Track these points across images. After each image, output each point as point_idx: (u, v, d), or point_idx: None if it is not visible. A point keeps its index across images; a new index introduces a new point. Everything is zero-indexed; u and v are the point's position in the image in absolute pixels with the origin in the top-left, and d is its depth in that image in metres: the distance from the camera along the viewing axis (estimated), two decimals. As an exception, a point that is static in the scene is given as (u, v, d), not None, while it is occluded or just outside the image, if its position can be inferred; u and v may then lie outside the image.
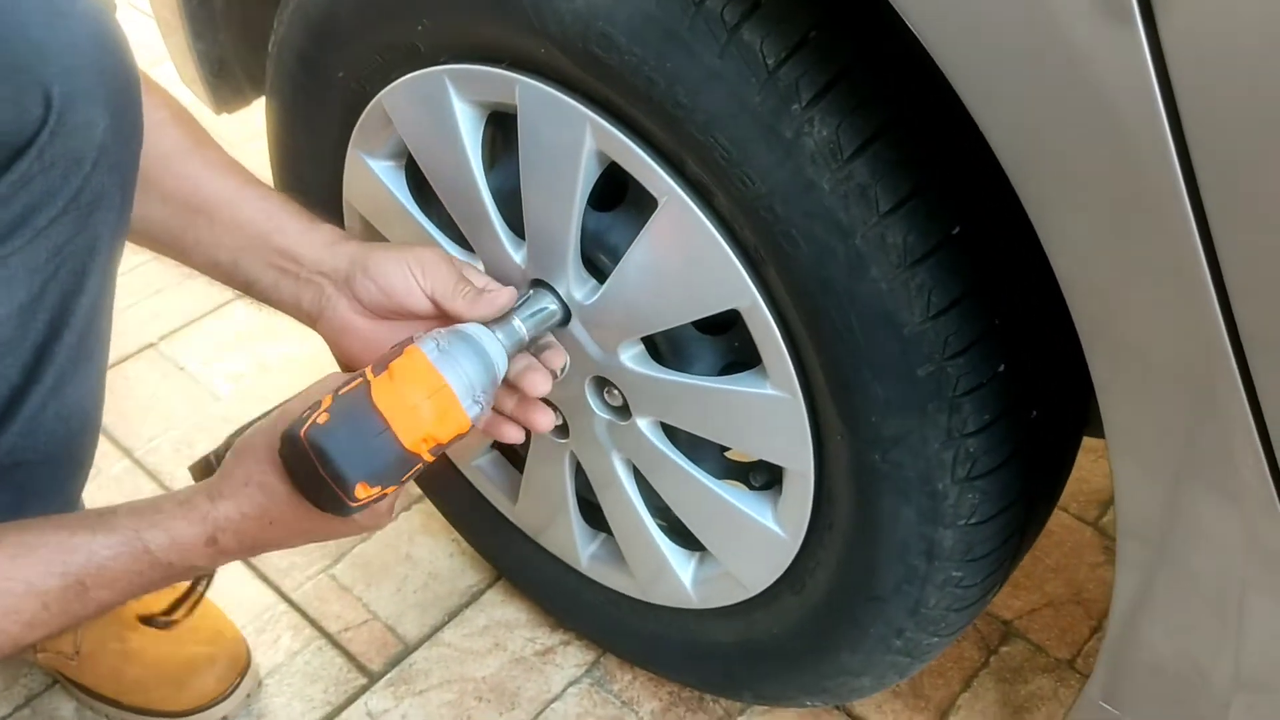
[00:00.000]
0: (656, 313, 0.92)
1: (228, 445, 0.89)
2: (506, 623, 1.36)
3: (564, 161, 0.88)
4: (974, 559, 0.89)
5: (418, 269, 0.90)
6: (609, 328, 0.95)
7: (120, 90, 0.83)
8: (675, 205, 0.84)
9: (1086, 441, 0.99)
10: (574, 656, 1.33)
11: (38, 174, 0.80)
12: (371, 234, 1.14)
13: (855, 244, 0.76)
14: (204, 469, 0.92)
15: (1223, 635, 0.82)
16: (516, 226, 0.98)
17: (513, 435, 0.95)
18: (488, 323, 0.89)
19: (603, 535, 1.20)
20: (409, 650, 1.33)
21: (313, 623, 1.35)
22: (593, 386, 1.02)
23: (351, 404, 0.79)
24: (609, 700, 1.29)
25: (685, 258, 0.87)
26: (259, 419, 0.88)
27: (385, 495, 0.81)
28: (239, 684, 1.24)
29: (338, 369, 1.01)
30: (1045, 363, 0.83)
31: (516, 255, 0.98)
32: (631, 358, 0.96)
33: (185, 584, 1.05)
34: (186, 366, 1.65)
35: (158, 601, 1.08)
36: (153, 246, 0.96)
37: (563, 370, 0.97)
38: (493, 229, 0.98)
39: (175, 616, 1.06)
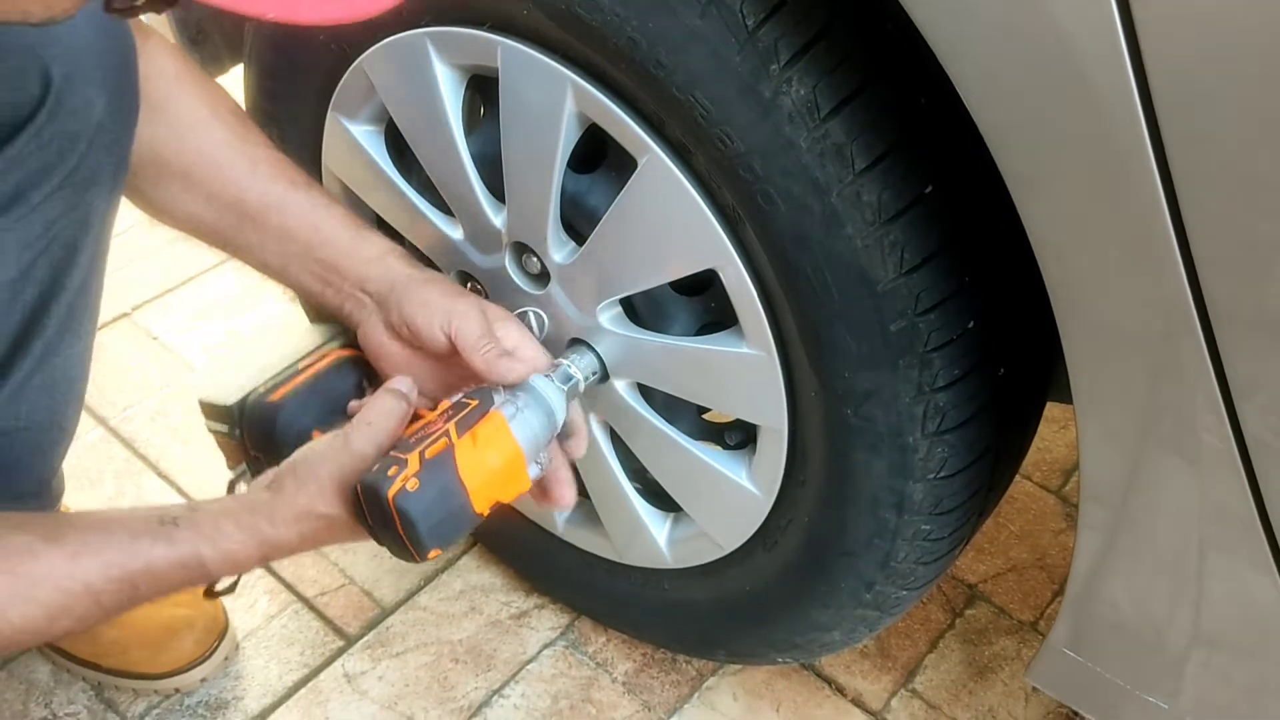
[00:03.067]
0: (635, 273, 0.94)
1: (242, 403, 0.94)
2: (482, 587, 1.38)
3: (545, 123, 0.90)
4: (943, 512, 0.91)
5: (443, 317, 0.90)
6: (587, 289, 0.97)
7: (117, 69, 0.84)
8: (655, 165, 0.85)
9: (1050, 412, 1.02)
10: (549, 620, 1.35)
11: (34, 152, 0.81)
12: (351, 199, 1.15)
13: (831, 201, 0.78)
14: (221, 415, 0.96)
15: (1179, 595, 0.85)
16: (497, 191, 0.99)
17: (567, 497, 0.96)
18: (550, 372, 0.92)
19: (578, 499, 1.22)
20: (386, 614, 1.34)
21: (289, 587, 1.36)
22: (571, 349, 1.03)
23: (439, 472, 0.82)
24: (583, 662, 1.31)
25: (664, 218, 0.88)
26: (279, 383, 0.93)
27: None
28: (217, 646, 1.25)
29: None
30: (1013, 321, 0.86)
31: (496, 219, 1.00)
32: (610, 319, 0.98)
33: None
34: (160, 336, 1.65)
35: None
36: (208, 242, 0.98)
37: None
38: (473, 193, 1.00)
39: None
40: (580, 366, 0.97)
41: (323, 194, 0.97)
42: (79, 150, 0.83)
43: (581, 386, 0.96)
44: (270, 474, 0.87)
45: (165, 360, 1.62)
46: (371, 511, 0.82)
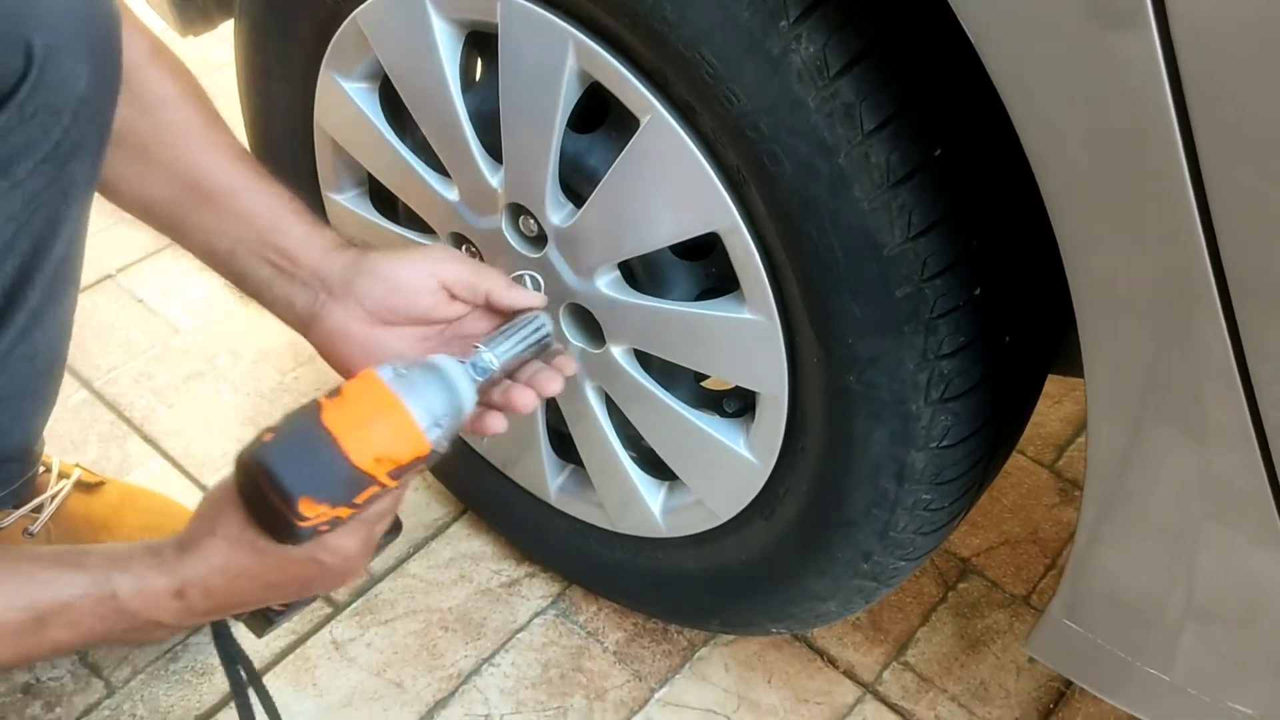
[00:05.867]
0: (635, 236, 0.92)
1: None
2: (472, 555, 1.37)
3: (545, 81, 0.88)
4: (944, 482, 0.90)
5: (436, 263, 0.90)
6: (586, 253, 0.95)
7: (102, 40, 0.83)
8: (658, 125, 0.84)
9: (1045, 387, 1.00)
10: (540, 588, 1.34)
11: (17, 126, 0.80)
12: (343, 159, 1.13)
13: (839, 163, 0.76)
14: None
15: (1184, 568, 0.84)
16: (494, 150, 0.97)
17: (495, 425, 0.93)
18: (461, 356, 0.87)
19: (571, 466, 1.21)
20: (374, 581, 1.33)
21: (277, 554, 1.35)
22: (567, 314, 1.02)
23: (298, 422, 0.77)
24: (574, 631, 1.30)
25: (666, 179, 0.87)
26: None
27: (340, 518, 0.78)
28: (203, 613, 1.24)
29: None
30: (1020, 289, 0.84)
31: (493, 180, 0.98)
32: (608, 284, 0.96)
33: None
34: (145, 299, 1.63)
35: None
36: (151, 224, 0.95)
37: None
38: (470, 153, 0.98)
39: None
40: (509, 342, 0.91)
41: (282, 188, 0.94)
42: (63, 124, 0.81)
43: (497, 364, 0.90)
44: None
45: (150, 322, 1.60)
46: (246, 488, 0.77)
